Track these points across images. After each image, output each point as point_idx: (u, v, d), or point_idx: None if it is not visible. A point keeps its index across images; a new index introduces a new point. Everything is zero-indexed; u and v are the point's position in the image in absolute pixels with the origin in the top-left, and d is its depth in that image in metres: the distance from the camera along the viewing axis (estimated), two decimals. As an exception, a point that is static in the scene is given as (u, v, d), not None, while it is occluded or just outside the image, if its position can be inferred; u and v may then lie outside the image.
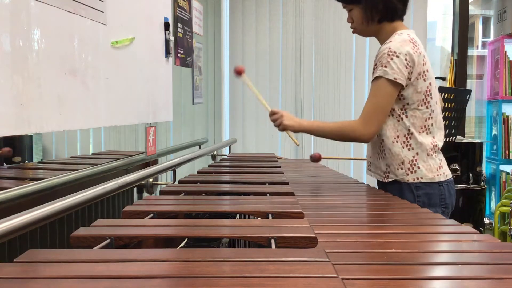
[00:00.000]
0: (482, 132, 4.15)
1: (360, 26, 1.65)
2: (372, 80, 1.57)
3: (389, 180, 1.62)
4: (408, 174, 1.58)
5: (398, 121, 1.58)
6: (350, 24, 1.69)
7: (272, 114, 1.71)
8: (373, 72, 1.58)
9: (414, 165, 1.58)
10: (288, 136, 1.79)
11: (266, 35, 4.02)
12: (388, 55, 1.52)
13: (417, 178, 1.58)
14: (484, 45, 4.60)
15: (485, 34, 4.80)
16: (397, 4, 1.59)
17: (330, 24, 3.93)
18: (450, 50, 3.96)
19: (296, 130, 1.69)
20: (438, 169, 1.59)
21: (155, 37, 2.17)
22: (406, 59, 1.51)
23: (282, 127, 1.68)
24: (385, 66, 1.52)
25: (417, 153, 1.58)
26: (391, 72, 1.51)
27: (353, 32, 1.72)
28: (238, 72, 1.85)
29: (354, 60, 3.95)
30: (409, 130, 1.57)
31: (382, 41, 1.64)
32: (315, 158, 2.20)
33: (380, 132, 1.60)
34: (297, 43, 3.97)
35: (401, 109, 1.57)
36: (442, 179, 1.59)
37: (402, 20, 1.65)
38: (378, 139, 1.63)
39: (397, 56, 1.51)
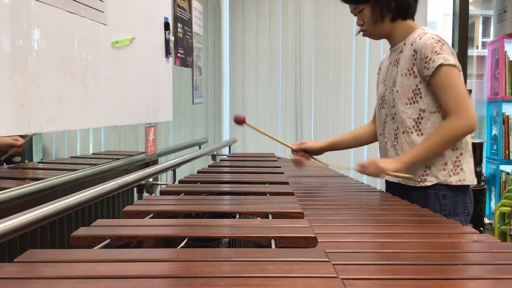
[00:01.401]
0: (482, 132, 4.14)
1: (372, 26, 1.55)
2: (433, 73, 1.44)
3: (427, 184, 1.50)
4: (451, 176, 1.49)
5: (444, 118, 1.48)
6: (360, 27, 1.59)
7: (362, 167, 1.54)
8: (425, 66, 1.45)
9: (457, 166, 1.49)
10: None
11: (266, 35, 4.02)
12: (437, 43, 1.44)
13: (460, 180, 1.49)
14: (484, 45, 4.60)
15: (485, 34, 4.80)
16: (410, 1, 1.52)
17: (330, 24, 3.93)
18: (450, 50, 3.96)
19: (399, 169, 1.49)
20: (473, 172, 1.52)
21: (155, 37, 2.17)
22: (451, 48, 1.47)
23: (379, 171, 1.49)
24: (441, 53, 1.43)
25: (461, 154, 1.50)
26: (450, 58, 1.43)
27: (364, 35, 1.61)
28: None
29: (354, 60, 3.95)
30: None
31: (396, 41, 1.58)
32: (239, 120, 1.96)
33: (423, 131, 1.50)
34: (297, 43, 3.97)
35: None
36: (475, 182, 1.52)
37: (413, 19, 1.58)
38: (418, 137, 1.51)
39: (443, 44, 1.45)
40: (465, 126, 1.44)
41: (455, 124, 1.44)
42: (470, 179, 1.51)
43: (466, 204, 1.54)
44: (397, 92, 1.54)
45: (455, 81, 1.44)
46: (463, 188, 1.52)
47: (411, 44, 1.51)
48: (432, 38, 1.45)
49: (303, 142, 1.86)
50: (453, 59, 1.44)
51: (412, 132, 1.52)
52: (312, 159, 1.86)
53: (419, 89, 1.49)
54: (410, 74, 1.50)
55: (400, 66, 1.54)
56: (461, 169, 1.50)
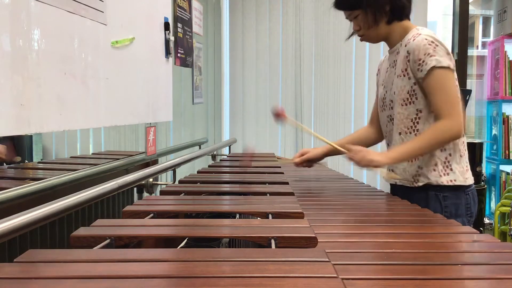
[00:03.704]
0: (482, 132, 4.14)
1: (368, 31, 1.55)
2: (426, 75, 1.44)
3: (419, 184, 1.51)
4: (441, 176, 1.49)
5: (435, 120, 1.48)
6: (357, 32, 1.59)
7: (351, 151, 1.52)
8: (418, 69, 1.46)
9: (447, 166, 1.50)
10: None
11: (266, 35, 4.01)
12: (430, 44, 1.44)
13: (451, 181, 1.49)
14: (484, 45, 4.60)
15: (485, 34, 4.80)
16: (405, 2, 1.53)
17: (330, 24, 3.93)
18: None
19: (385, 164, 1.49)
20: (466, 172, 1.52)
21: (155, 37, 2.17)
22: (444, 47, 1.46)
23: (371, 164, 1.47)
24: (434, 55, 1.43)
25: (450, 154, 1.50)
26: (443, 60, 1.43)
27: (362, 40, 1.62)
28: (279, 115, 1.74)
29: (354, 60, 3.95)
30: None
31: (394, 42, 1.58)
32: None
33: (419, 130, 1.51)
34: (297, 43, 3.97)
35: None
36: (470, 182, 1.52)
37: (409, 19, 1.57)
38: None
39: (437, 45, 1.44)
40: (454, 131, 1.44)
41: (445, 127, 1.44)
42: (461, 179, 1.50)
43: (469, 205, 1.52)
44: (394, 93, 1.54)
45: (448, 84, 1.44)
46: (464, 189, 1.51)
47: (405, 45, 1.51)
48: (426, 39, 1.44)
49: (303, 152, 1.79)
50: (446, 60, 1.43)
51: (410, 133, 1.52)
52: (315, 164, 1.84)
53: (413, 90, 1.49)
54: (404, 76, 1.50)
55: (396, 67, 1.55)
56: (451, 169, 1.50)
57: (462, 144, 1.52)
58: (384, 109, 1.63)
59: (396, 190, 1.62)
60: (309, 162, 1.78)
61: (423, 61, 1.44)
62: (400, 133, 1.54)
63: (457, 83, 1.48)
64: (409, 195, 1.53)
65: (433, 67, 1.42)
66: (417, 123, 1.51)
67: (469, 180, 1.52)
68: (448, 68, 1.43)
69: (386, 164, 1.49)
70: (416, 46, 1.45)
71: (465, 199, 1.51)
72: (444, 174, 1.49)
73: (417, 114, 1.50)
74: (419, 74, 1.46)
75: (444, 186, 1.49)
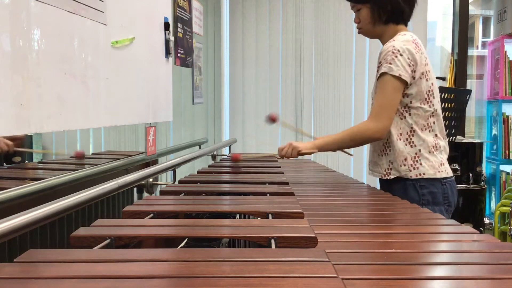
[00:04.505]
0: (482, 132, 4.14)
1: (367, 26, 1.68)
2: (378, 78, 1.60)
3: (391, 177, 1.65)
4: (410, 171, 1.62)
5: (401, 119, 1.62)
6: (356, 24, 1.72)
7: (281, 150, 1.76)
8: (377, 70, 1.60)
9: (416, 161, 1.61)
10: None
11: (266, 35, 4.02)
12: (393, 52, 1.56)
13: (419, 174, 1.61)
14: (484, 45, 4.60)
15: (485, 34, 4.80)
16: (404, 6, 1.63)
17: (330, 24, 3.93)
18: (450, 50, 3.96)
19: (310, 150, 1.71)
20: (439, 166, 1.63)
21: (155, 37, 2.17)
22: (409, 58, 1.56)
23: (296, 152, 1.71)
24: (390, 63, 1.55)
25: (420, 150, 1.62)
26: (396, 69, 1.54)
27: (359, 33, 1.74)
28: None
29: (354, 59, 3.95)
30: (411, 127, 1.61)
31: (385, 42, 1.67)
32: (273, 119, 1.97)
33: (397, 126, 1.63)
34: (297, 43, 3.97)
35: (404, 107, 1.61)
36: (444, 175, 1.63)
37: (406, 25, 1.69)
38: (396, 135, 1.64)
39: (401, 55, 1.55)
40: (373, 132, 1.58)
41: (366, 127, 1.60)
42: (431, 173, 1.61)
43: (446, 195, 1.64)
44: (373, 92, 1.69)
45: (389, 90, 1.56)
46: (439, 179, 1.62)
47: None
48: (394, 46, 1.57)
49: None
50: (400, 71, 1.54)
51: None
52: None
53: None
54: (376, 75, 1.64)
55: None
56: (420, 164, 1.61)
57: (434, 142, 1.63)
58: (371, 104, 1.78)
59: (380, 183, 1.76)
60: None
61: (381, 64, 1.58)
62: None
63: (402, 94, 1.59)
64: (390, 186, 1.68)
65: (384, 73, 1.56)
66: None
67: (443, 173, 1.63)
68: (397, 77, 1.55)
69: (310, 149, 1.69)
70: (383, 50, 1.60)
71: (442, 189, 1.63)
72: (414, 168, 1.62)
73: None
74: (376, 75, 1.61)
75: (424, 177, 1.61)
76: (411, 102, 1.59)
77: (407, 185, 1.63)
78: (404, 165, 1.62)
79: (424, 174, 1.61)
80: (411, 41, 1.59)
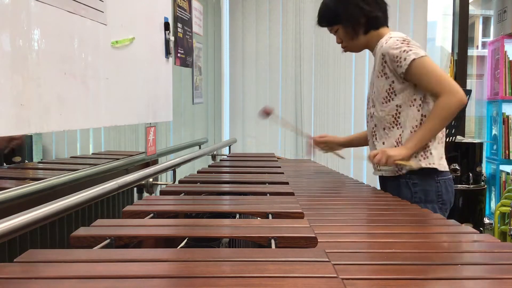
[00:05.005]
0: (482, 132, 4.14)
1: (349, 43, 1.72)
2: (408, 69, 1.55)
3: (403, 172, 1.63)
4: (420, 160, 1.61)
5: (418, 110, 1.61)
6: (340, 44, 1.75)
7: (373, 156, 1.63)
8: (397, 65, 1.56)
9: (427, 151, 1.61)
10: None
11: (266, 35, 4.01)
12: (402, 43, 1.58)
13: (429, 164, 1.61)
14: (484, 45, 4.60)
15: (485, 34, 4.80)
16: (377, 13, 1.67)
17: (330, 24, 3.93)
18: (450, 50, 3.96)
19: (407, 157, 1.59)
20: (441, 159, 1.64)
21: (155, 37, 2.17)
22: (417, 43, 1.60)
23: (392, 161, 1.59)
24: (410, 50, 1.55)
25: (430, 140, 1.61)
26: (419, 51, 1.55)
27: (345, 51, 1.77)
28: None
29: (354, 59, 3.95)
30: (425, 117, 1.61)
31: (373, 48, 1.72)
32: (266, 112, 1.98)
33: (401, 123, 1.62)
34: (297, 43, 3.97)
35: (423, 97, 1.60)
36: (443, 169, 1.63)
37: (387, 26, 1.72)
38: (398, 130, 1.63)
39: (409, 41, 1.58)
40: (456, 101, 1.53)
41: (446, 101, 1.53)
42: (438, 163, 1.61)
43: (440, 193, 1.63)
44: (374, 93, 1.69)
45: (432, 67, 1.56)
46: (434, 176, 1.62)
47: (379, 48, 1.64)
48: (397, 40, 1.59)
49: (323, 135, 2.02)
50: (422, 51, 1.56)
51: (393, 127, 1.65)
52: (330, 152, 2.03)
53: (392, 88, 1.62)
54: (381, 76, 1.64)
55: (375, 69, 1.69)
56: (430, 153, 1.61)
57: (441, 132, 1.64)
58: (368, 107, 1.77)
59: (380, 181, 1.77)
60: (326, 145, 1.99)
61: (400, 57, 1.56)
62: (384, 128, 1.67)
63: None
64: (385, 184, 1.70)
65: (413, 60, 1.54)
66: (398, 117, 1.63)
67: (443, 166, 1.63)
68: (425, 56, 1.56)
69: (407, 155, 1.59)
70: (389, 47, 1.59)
71: (436, 186, 1.63)
72: (425, 158, 1.61)
73: (397, 110, 1.63)
74: (399, 70, 1.58)
75: (418, 174, 1.61)
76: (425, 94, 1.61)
77: (400, 184, 1.63)
78: (416, 156, 1.61)
79: (433, 163, 1.60)
80: (405, 36, 1.63)
